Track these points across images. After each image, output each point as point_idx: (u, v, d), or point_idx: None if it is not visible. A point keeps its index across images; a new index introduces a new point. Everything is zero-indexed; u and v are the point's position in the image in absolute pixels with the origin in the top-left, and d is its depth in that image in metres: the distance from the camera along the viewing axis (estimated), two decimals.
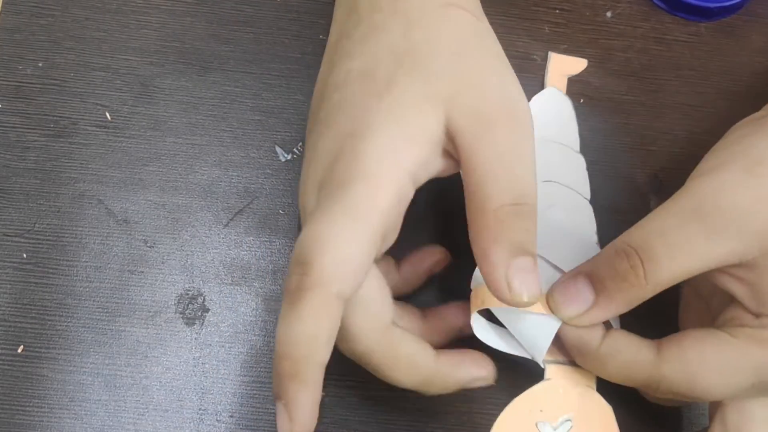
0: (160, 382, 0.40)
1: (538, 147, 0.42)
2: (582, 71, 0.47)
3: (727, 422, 0.36)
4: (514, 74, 0.35)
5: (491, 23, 0.45)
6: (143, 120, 0.44)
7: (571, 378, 0.39)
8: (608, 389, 0.39)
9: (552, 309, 0.36)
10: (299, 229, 0.37)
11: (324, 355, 0.32)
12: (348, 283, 0.32)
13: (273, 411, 0.40)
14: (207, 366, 0.40)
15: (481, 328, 0.38)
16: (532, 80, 0.46)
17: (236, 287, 0.41)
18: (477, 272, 0.38)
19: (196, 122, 0.44)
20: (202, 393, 0.40)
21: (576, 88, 0.46)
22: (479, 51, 0.35)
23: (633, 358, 0.36)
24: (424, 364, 0.35)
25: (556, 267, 0.39)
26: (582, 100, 0.46)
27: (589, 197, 0.43)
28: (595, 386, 0.39)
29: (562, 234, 0.41)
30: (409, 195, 0.34)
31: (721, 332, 0.35)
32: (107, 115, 0.44)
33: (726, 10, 0.48)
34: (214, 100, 0.44)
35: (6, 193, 0.42)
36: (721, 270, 0.35)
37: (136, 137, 0.43)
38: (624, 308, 0.36)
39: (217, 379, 0.40)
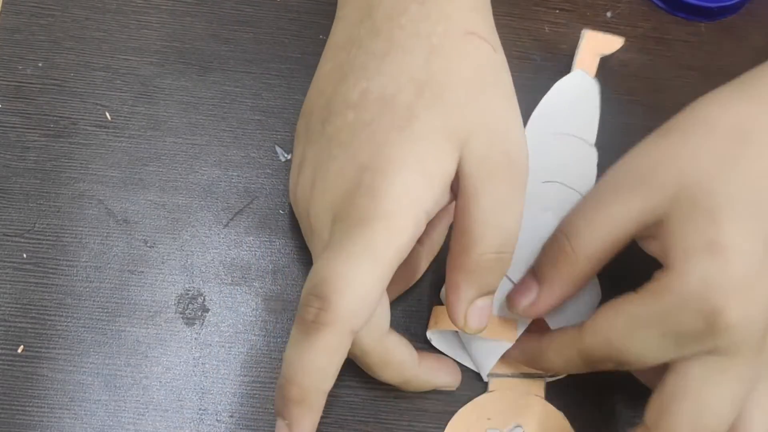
0: (160, 381, 0.40)
1: (549, 141, 0.42)
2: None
3: (665, 385, 0.35)
4: (519, 115, 0.36)
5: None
6: (143, 120, 0.44)
7: (515, 389, 0.41)
8: (558, 397, 0.41)
9: (509, 307, 0.39)
10: (314, 236, 0.38)
11: (331, 384, 0.34)
12: (363, 320, 0.33)
13: (273, 411, 0.40)
14: (207, 366, 0.40)
15: (436, 336, 0.41)
16: (532, 80, 0.46)
17: (236, 287, 0.41)
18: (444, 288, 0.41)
19: (196, 122, 0.44)
20: (202, 393, 0.40)
21: None
22: (494, 89, 0.36)
23: (560, 339, 0.38)
24: (410, 368, 0.38)
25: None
26: None
27: None
28: (543, 395, 0.41)
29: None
30: (422, 230, 0.35)
31: (628, 294, 0.36)
32: (107, 115, 0.44)
33: (726, 10, 0.48)
34: (214, 100, 0.44)
35: (6, 193, 0.42)
36: (644, 235, 0.36)
37: (136, 137, 0.43)
38: (567, 287, 0.38)
39: (217, 379, 0.40)
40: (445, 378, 0.40)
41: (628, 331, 0.35)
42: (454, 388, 0.40)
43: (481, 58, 0.36)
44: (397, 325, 0.41)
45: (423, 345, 0.41)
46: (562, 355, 0.38)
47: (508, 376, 0.41)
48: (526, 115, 0.45)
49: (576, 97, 0.44)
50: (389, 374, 0.38)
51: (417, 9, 0.35)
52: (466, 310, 0.36)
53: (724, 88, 0.38)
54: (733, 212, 0.34)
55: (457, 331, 0.41)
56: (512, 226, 0.35)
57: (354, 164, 0.34)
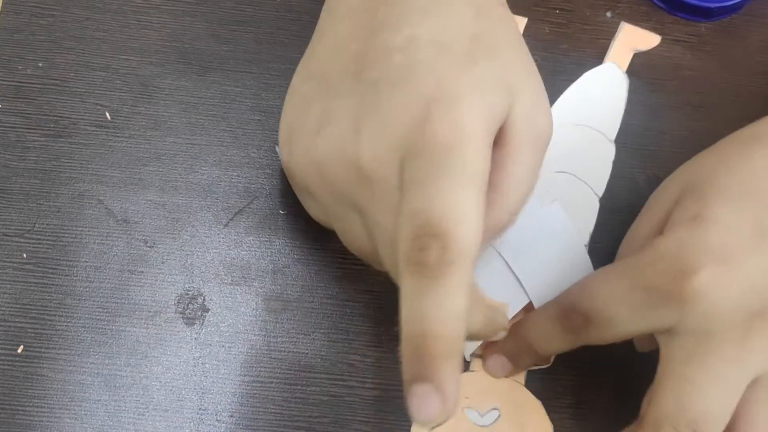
0: (160, 381, 0.40)
1: (569, 132, 0.43)
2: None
3: (656, 375, 0.35)
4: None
5: None
6: (143, 120, 0.44)
7: None
8: (538, 384, 0.41)
9: None
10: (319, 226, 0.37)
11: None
12: (480, 248, 0.31)
13: (273, 411, 0.40)
14: (207, 366, 0.40)
15: None
16: None
17: (236, 287, 0.41)
18: None
19: (196, 122, 0.44)
20: (202, 393, 0.40)
21: None
22: (531, 60, 0.36)
23: (541, 308, 0.39)
24: (487, 311, 0.37)
25: (519, 280, 0.41)
26: None
27: (601, 193, 0.43)
28: (523, 382, 0.41)
29: (551, 233, 0.41)
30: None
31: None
32: (107, 115, 0.44)
33: (726, 10, 0.48)
34: (214, 100, 0.44)
35: (6, 193, 0.42)
36: None
37: (136, 137, 0.43)
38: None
39: (217, 379, 0.40)
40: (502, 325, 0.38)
41: (601, 280, 0.36)
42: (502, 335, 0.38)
43: (516, 27, 0.36)
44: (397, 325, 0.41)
45: None
46: (542, 323, 0.38)
47: None
48: None
49: (603, 90, 0.45)
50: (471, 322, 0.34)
51: None
52: None
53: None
54: (722, 193, 0.35)
55: None
56: (531, 190, 0.36)
57: (418, 97, 0.32)
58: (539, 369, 0.41)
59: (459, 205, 0.31)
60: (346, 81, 0.34)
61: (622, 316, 0.35)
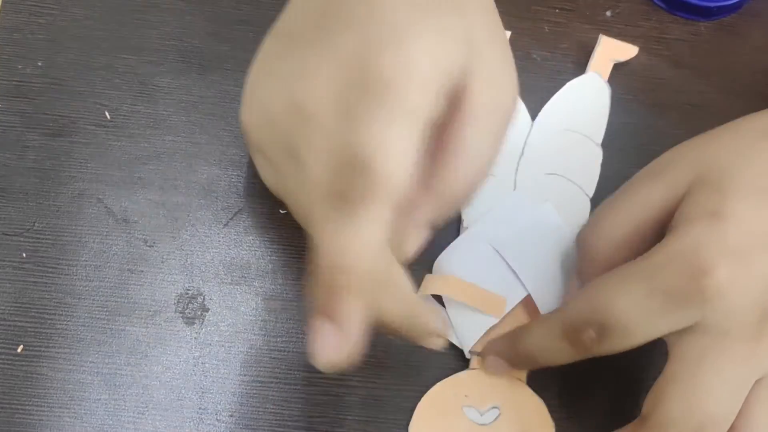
0: (160, 381, 0.40)
1: (557, 136, 0.44)
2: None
3: (662, 373, 0.35)
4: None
5: None
6: (143, 119, 0.43)
7: None
8: (539, 382, 0.41)
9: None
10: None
11: (379, 268, 0.31)
12: (403, 189, 0.31)
13: (273, 410, 0.40)
14: (207, 365, 0.40)
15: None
16: (533, 79, 0.46)
17: (236, 287, 0.41)
18: (439, 259, 0.41)
19: (196, 121, 0.44)
20: (202, 392, 0.40)
21: None
22: (500, 25, 0.36)
23: (543, 318, 0.38)
24: (411, 297, 0.34)
25: (517, 275, 0.41)
26: None
27: (591, 194, 0.44)
28: (525, 379, 0.41)
29: (545, 231, 0.42)
30: (432, 119, 0.32)
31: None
32: (107, 114, 0.43)
33: (725, 9, 0.48)
34: (214, 99, 0.44)
35: (5, 192, 0.42)
36: (666, 221, 0.36)
37: (136, 136, 0.43)
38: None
39: (216, 379, 0.40)
40: (439, 327, 0.37)
41: (614, 289, 0.34)
42: (441, 348, 0.38)
43: None
44: None
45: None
46: (544, 337, 0.37)
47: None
48: (532, 112, 0.45)
49: (587, 97, 0.46)
50: (392, 301, 0.33)
51: None
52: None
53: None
54: (741, 189, 0.34)
55: (443, 306, 0.41)
56: (489, 162, 0.35)
57: (368, 36, 0.31)
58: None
59: (389, 140, 0.30)
60: (306, 33, 0.34)
61: (641, 323, 0.34)
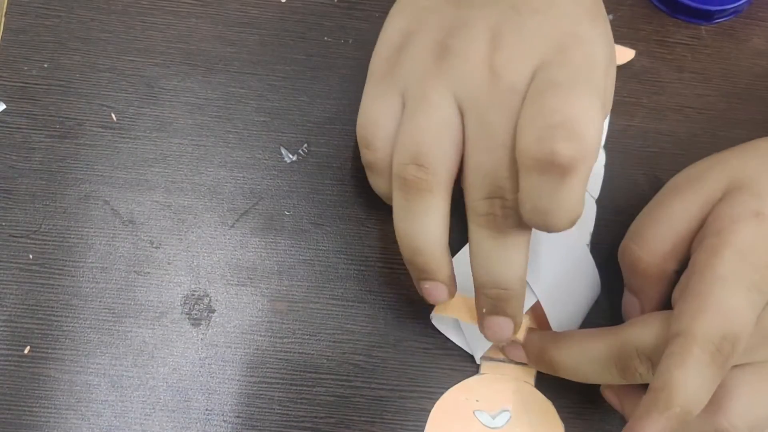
0: (167, 382, 0.40)
1: None
2: None
3: (691, 291, 0.36)
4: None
5: None
6: (149, 121, 0.44)
7: (506, 374, 0.42)
8: (547, 384, 0.41)
9: None
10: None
11: None
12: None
13: (279, 411, 0.40)
14: (213, 366, 0.40)
15: (437, 317, 0.42)
16: None
17: (242, 288, 0.42)
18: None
19: (202, 123, 0.44)
20: (209, 393, 0.40)
21: None
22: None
23: (593, 340, 0.38)
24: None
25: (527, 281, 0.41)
26: None
27: (596, 195, 0.44)
28: (533, 382, 0.42)
29: (551, 237, 0.42)
30: None
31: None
32: (113, 116, 0.44)
33: (726, 13, 0.49)
34: (220, 102, 0.44)
35: (12, 194, 0.42)
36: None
37: (142, 138, 0.43)
38: (658, 288, 0.40)
39: (223, 380, 0.40)
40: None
41: (716, 287, 0.35)
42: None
43: None
44: (403, 325, 0.42)
45: (428, 346, 0.42)
46: (587, 355, 0.38)
47: (501, 361, 0.42)
48: None
49: None
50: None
51: None
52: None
53: None
54: None
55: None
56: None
57: (557, 29, 0.35)
58: None
59: (591, 112, 0.33)
60: (453, 7, 0.37)
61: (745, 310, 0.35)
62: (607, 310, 0.43)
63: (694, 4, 0.48)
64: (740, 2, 0.48)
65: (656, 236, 0.39)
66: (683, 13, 0.49)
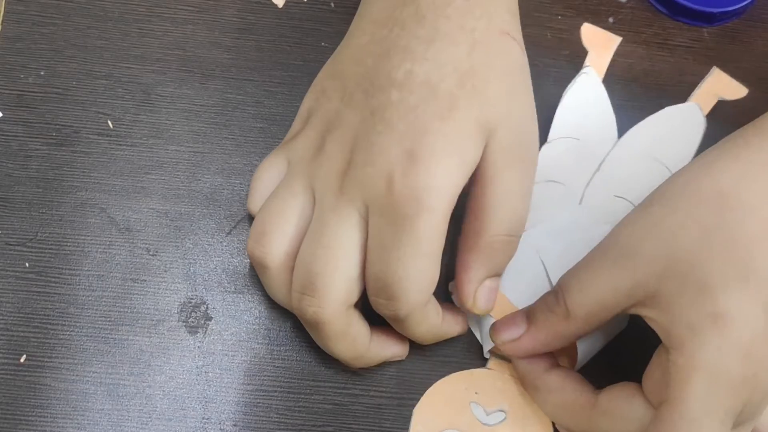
0: (164, 390, 0.40)
1: (638, 162, 0.44)
2: None
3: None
4: (535, 111, 0.39)
5: None
6: (145, 128, 0.43)
7: (512, 374, 0.41)
8: None
9: (491, 337, 0.40)
10: None
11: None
12: (422, 303, 0.37)
13: (277, 419, 0.40)
14: (210, 374, 0.40)
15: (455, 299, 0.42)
16: (536, 85, 0.45)
17: (239, 295, 0.41)
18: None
19: (198, 130, 0.44)
20: (206, 402, 0.40)
21: None
22: (521, 86, 0.38)
23: (572, 398, 0.38)
24: (363, 344, 0.39)
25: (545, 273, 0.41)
26: None
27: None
28: None
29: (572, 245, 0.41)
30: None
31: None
32: (109, 123, 0.43)
33: (728, 15, 0.48)
34: (216, 108, 0.44)
35: (8, 202, 0.42)
36: (638, 305, 0.36)
37: (139, 145, 0.43)
38: (553, 339, 0.38)
39: (220, 388, 0.40)
40: (394, 349, 0.41)
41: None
42: (404, 358, 0.41)
43: (513, 56, 0.38)
44: None
45: (427, 353, 0.41)
46: (562, 412, 0.39)
47: (509, 359, 0.41)
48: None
49: (679, 128, 0.45)
50: (342, 348, 0.38)
51: (462, 3, 0.37)
52: (475, 290, 0.38)
53: (708, 151, 0.38)
54: (725, 282, 0.34)
55: None
56: (522, 210, 0.38)
57: (399, 147, 0.35)
58: None
59: (410, 275, 0.35)
60: (359, 95, 0.37)
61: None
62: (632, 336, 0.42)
63: (695, 6, 0.48)
64: (742, 4, 0.48)
65: (583, 302, 0.37)
66: (684, 16, 0.48)
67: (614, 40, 0.47)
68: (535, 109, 0.38)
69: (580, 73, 0.45)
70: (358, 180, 0.36)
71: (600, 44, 0.46)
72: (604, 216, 0.42)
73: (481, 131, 0.36)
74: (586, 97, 0.45)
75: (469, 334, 0.42)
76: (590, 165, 0.43)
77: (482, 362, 0.41)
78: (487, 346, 0.41)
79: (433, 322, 0.39)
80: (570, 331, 0.38)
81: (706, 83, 0.46)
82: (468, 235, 0.38)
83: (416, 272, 0.35)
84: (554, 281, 0.40)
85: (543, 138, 0.43)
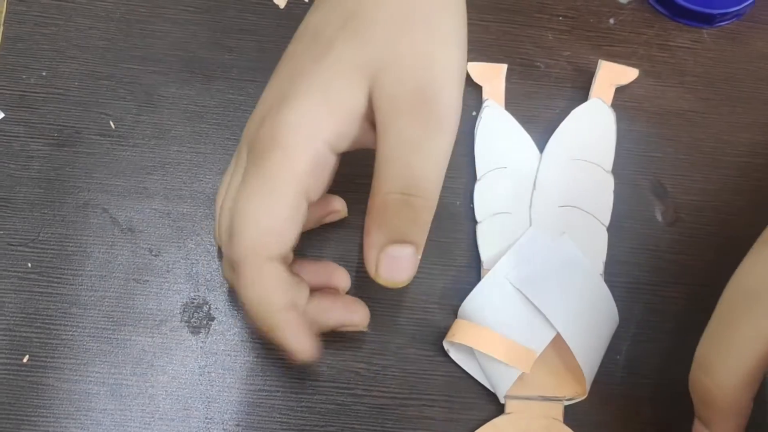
0: (166, 391, 0.40)
1: (567, 166, 0.43)
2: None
3: None
4: (455, 58, 0.35)
5: (494, 30, 0.45)
6: (147, 129, 0.43)
7: (533, 411, 0.40)
8: (578, 421, 0.40)
9: None
10: None
11: (284, 302, 0.35)
12: (275, 247, 0.34)
13: (280, 419, 0.40)
14: (213, 374, 0.40)
15: (454, 349, 0.41)
16: (535, 87, 0.46)
17: None
18: (464, 304, 0.41)
19: (200, 131, 0.44)
20: (208, 402, 0.40)
21: (580, 95, 0.46)
22: (423, 27, 0.35)
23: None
24: (276, 310, 0.35)
25: (543, 314, 0.40)
26: None
27: (607, 223, 0.43)
28: (561, 419, 0.40)
29: (565, 264, 0.41)
30: (329, 161, 0.35)
31: None
32: (111, 123, 0.43)
33: (728, 16, 0.48)
34: (218, 109, 0.44)
35: (10, 202, 0.42)
36: None
37: (141, 146, 0.43)
38: (732, 421, 0.36)
39: (223, 388, 0.40)
40: (337, 315, 0.38)
41: None
42: (363, 329, 0.39)
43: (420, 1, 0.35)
44: (403, 333, 0.41)
45: (429, 353, 0.41)
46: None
47: (526, 398, 0.40)
48: (541, 133, 0.45)
49: (592, 124, 0.45)
50: (251, 294, 0.35)
51: None
52: (377, 256, 0.34)
53: None
54: None
55: (473, 349, 0.40)
56: (423, 168, 0.34)
57: (275, 93, 0.35)
58: (576, 402, 0.40)
59: (248, 210, 0.34)
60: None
61: None
62: (626, 339, 0.42)
63: (695, 8, 0.48)
64: (742, 5, 0.48)
65: (727, 367, 0.34)
66: (684, 17, 0.49)
67: (501, 68, 0.46)
68: (452, 55, 0.35)
69: (482, 107, 0.45)
70: (246, 127, 0.37)
71: (489, 77, 0.46)
72: (557, 227, 0.42)
73: (359, 72, 0.34)
74: (497, 127, 0.45)
75: (456, 355, 0.41)
76: (525, 187, 0.43)
77: (499, 409, 0.41)
78: (502, 391, 0.40)
79: (270, 293, 0.35)
80: (737, 403, 0.35)
81: (598, 77, 0.46)
82: (370, 196, 0.35)
83: (256, 210, 0.33)
84: (538, 304, 0.39)
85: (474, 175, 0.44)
